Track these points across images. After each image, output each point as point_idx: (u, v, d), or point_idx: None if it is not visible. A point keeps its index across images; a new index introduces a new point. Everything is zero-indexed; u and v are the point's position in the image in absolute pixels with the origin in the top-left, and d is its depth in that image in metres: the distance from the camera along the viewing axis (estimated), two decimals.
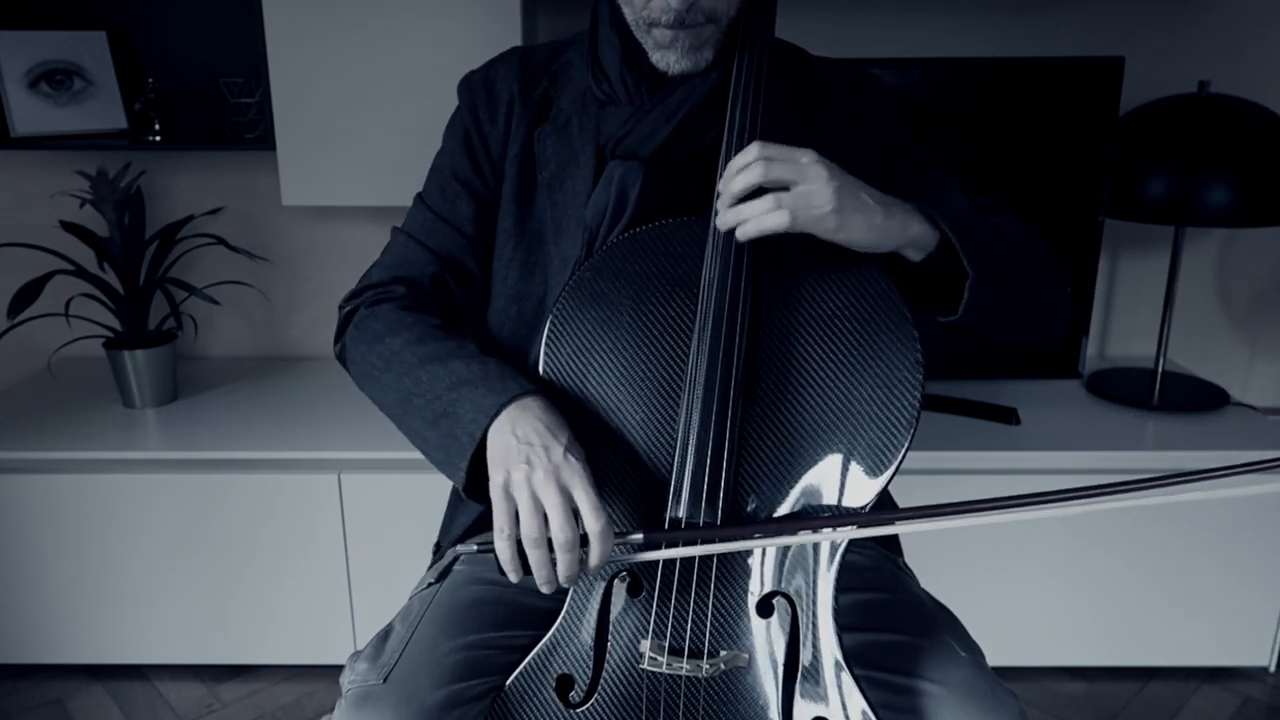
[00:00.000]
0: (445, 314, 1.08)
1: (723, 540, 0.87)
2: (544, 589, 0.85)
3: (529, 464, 0.84)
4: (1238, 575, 1.81)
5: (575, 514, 0.84)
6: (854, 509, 0.88)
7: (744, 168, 0.89)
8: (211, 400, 2.00)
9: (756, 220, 0.89)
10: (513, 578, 0.85)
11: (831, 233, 0.89)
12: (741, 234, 0.90)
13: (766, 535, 0.87)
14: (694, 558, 0.88)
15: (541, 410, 0.89)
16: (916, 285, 0.98)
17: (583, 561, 0.84)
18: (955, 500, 1.75)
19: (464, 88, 1.13)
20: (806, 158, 0.89)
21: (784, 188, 0.88)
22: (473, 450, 0.90)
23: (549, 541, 0.83)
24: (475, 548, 0.88)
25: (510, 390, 0.90)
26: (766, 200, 0.88)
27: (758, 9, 1.02)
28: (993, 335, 1.01)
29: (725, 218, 0.91)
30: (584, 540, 0.83)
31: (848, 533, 0.86)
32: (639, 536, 0.86)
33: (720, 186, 0.92)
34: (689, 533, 0.88)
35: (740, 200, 0.90)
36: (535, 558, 0.83)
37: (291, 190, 1.88)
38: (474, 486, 0.92)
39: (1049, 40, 2.03)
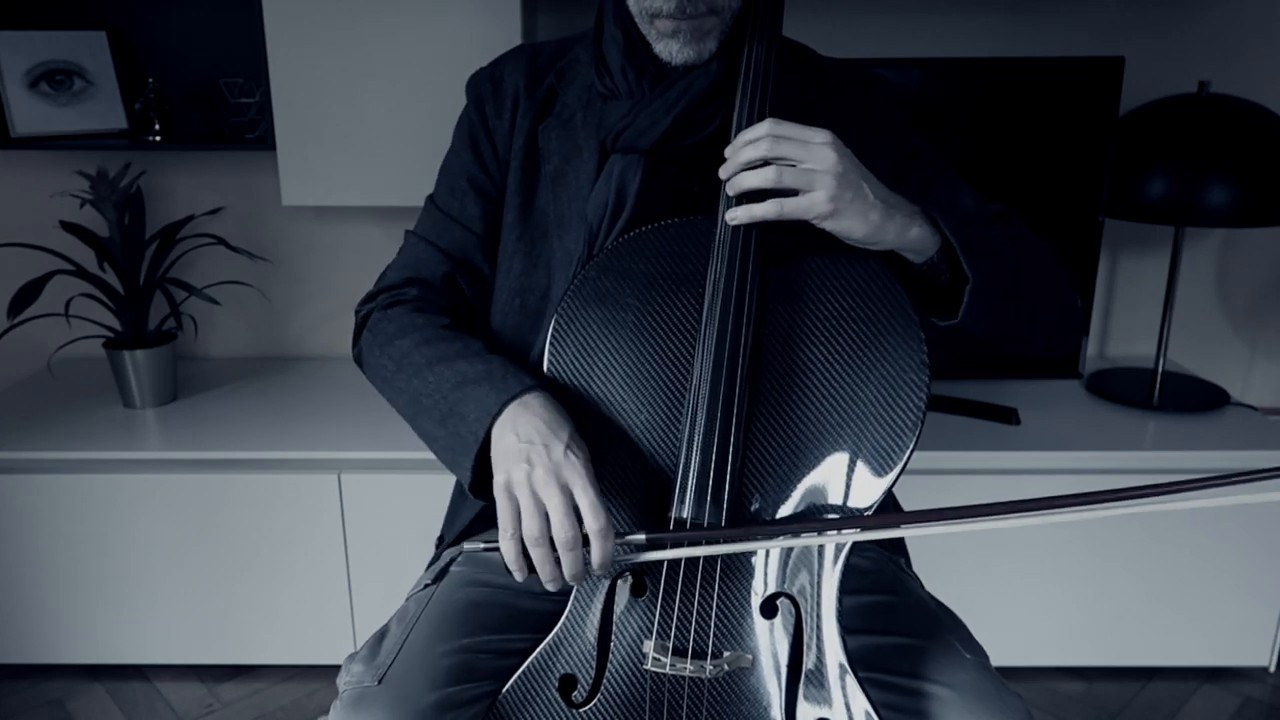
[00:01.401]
0: (456, 313, 1.09)
1: (726, 541, 0.87)
2: (549, 587, 0.85)
3: (529, 463, 0.84)
4: (1237, 575, 1.81)
5: (578, 512, 0.84)
6: (859, 510, 0.88)
7: (753, 141, 0.90)
8: (211, 400, 2.00)
9: (746, 209, 0.90)
10: (518, 577, 0.85)
11: (824, 219, 0.89)
12: (730, 218, 0.91)
13: (770, 536, 0.87)
14: (698, 558, 0.88)
15: (543, 408, 0.89)
16: (919, 288, 0.98)
17: (586, 561, 0.84)
18: (954, 500, 1.76)
19: (472, 85, 1.14)
20: (820, 138, 0.89)
21: (790, 164, 0.89)
22: (477, 448, 0.90)
23: (552, 540, 0.83)
24: (481, 546, 0.88)
25: (512, 388, 0.91)
26: (768, 172, 0.89)
27: (765, 2, 1.02)
28: (996, 342, 1.01)
29: (731, 184, 0.92)
30: (586, 539, 0.84)
31: (853, 535, 0.87)
32: (641, 536, 0.86)
33: (727, 152, 0.93)
34: (692, 533, 0.88)
35: (745, 170, 0.91)
36: (538, 556, 0.84)
37: (291, 190, 1.88)
38: (480, 485, 0.92)
39: (1049, 40, 2.04)
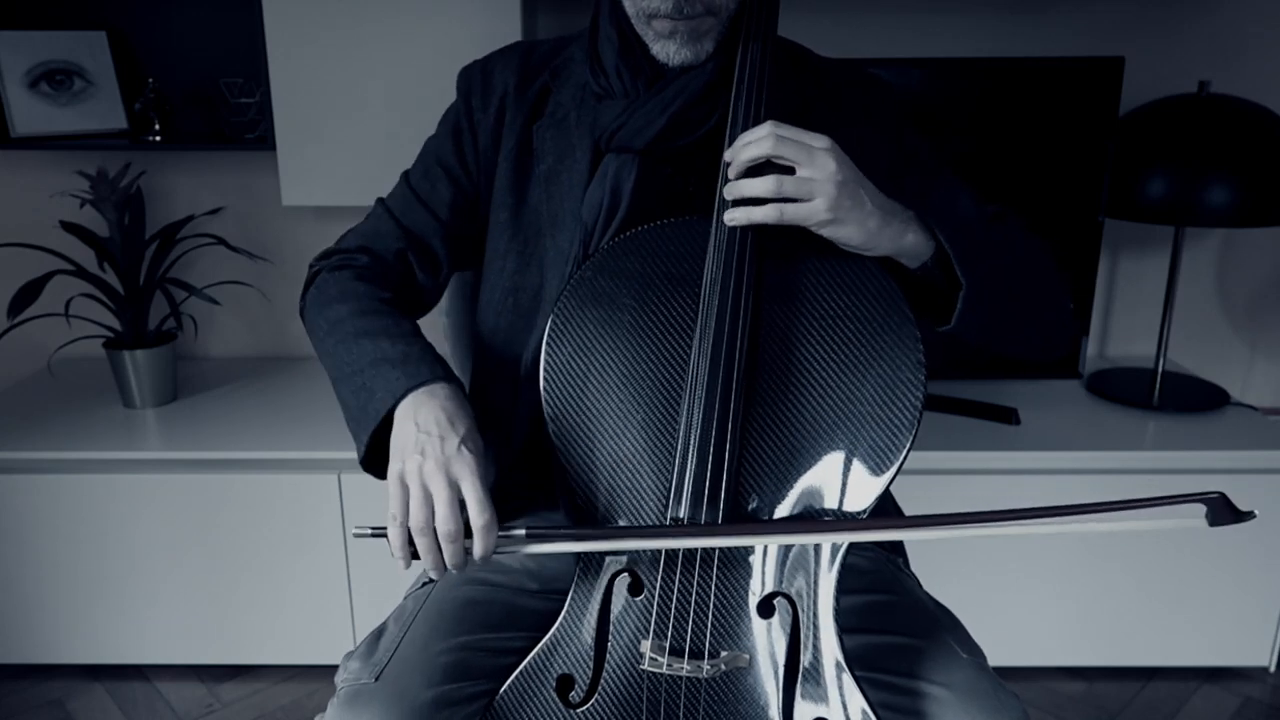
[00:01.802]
0: (401, 288, 1.11)
1: (614, 539, 0.89)
2: (432, 575, 0.88)
3: (422, 454, 0.87)
4: (1237, 575, 1.81)
5: (465, 505, 0.86)
6: (855, 510, 0.88)
7: (754, 141, 0.90)
8: (211, 400, 2.00)
9: (745, 211, 0.90)
10: (401, 564, 0.87)
11: (822, 226, 0.90)
12: (728, 219, 0.92)
13: (688, 536, 0.88)
14: (677, 557, 0.88)
15: (446, 399, 0.92)
16: (914, 292, 0.98)
17: (468, 551, 0.86)
18: (955, 500, 1.74)
19: (462, 77, 1.15)
20: (820, 143, 0.90)
21: (790, 169, 0.89)
22: (374, 426, 0.94)
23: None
24: (370, 530, 0.89)
25: (421, 375, 0.94)
26: (768, 181, 0.89)
27: (760, 2, 1.02)
28: (990, 345, 1.02)
29: (729, 189, 0.92)
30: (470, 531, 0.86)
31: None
32: (522, 532, 0.88)
33: (727, 156, 0.93)
34: (573, 530, 0.91)
35: (745, 175, 0.91)
36: (421, 545, 0.86)
37: (291, 190, 1.88)
38: (373, 463, 0.96)
39: (1049, 40, 2.03)
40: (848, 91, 1.12)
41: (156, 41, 2.06)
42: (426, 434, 0.88)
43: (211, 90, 2.05)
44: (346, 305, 1.04)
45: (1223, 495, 0.77)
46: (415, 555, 0.87)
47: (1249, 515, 0.77)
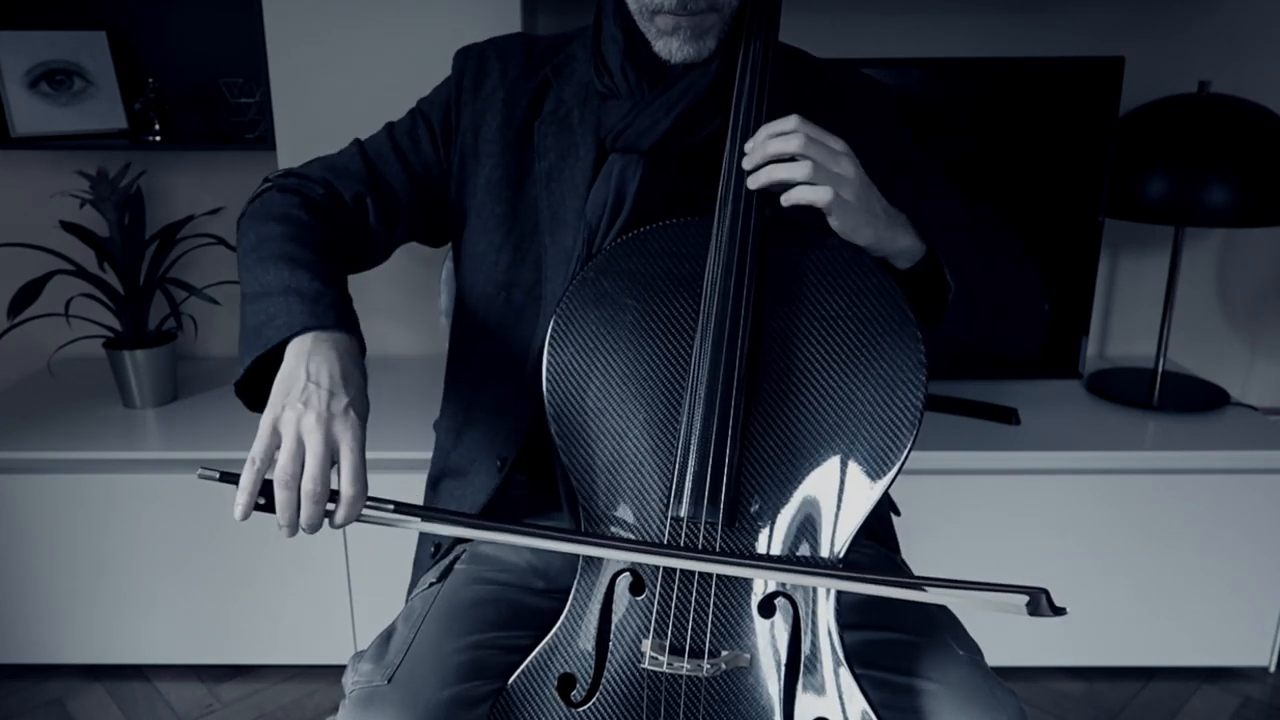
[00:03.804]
0: (347, 234, 1.07)
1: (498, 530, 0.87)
2: (282, 532, 0.82)
3: (305, 405, 0.83)
4: (1237, 575, 1.81)
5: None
6: (857, 508, 0.88)
7: (782, 134, 0.90)
8: (211, 400, 2.00)
9: (798, 191, 0.90)
10: (239, 511, 0.81)
11: (842, 218, 0.91)
12: (785, 198, 0.91)
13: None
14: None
15: (344, 352, 0.88)
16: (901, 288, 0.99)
17: (329, 513, 0.82)
18: (956, 499, 1.75)
19: (459, 56, 1.17)
20: (840, 145, 0.91)
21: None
22: (260, 352, 0.89)
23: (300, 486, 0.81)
24: (219, 475, 0.84)
25: (326, 319, 0.89)
26: (803, 167, 0.89)
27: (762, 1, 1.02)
28: (970, 343, 1.03)
29: (759, 177, 0.92)
30: (335, 496, 0.82)
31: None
32: (390, 506, 0.84)
33: (748, 147, 0.93)
34: (470, 518, 0.90)
35: (773, 163, 0.91)
36: (281, 498, 0.80)
37: None
38: (251, 393, 0.92)
39: (1049, 40, 2.04)
40: (846, 91, 1.12)
41: (156, 41, 2.06)
42: (316, 384, 0.84)
43: (211, 90, 2.05)
44: (280, 227, 0.99)
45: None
46: (261, 507, 0.81)
47: (1062, 611, 0.78)
